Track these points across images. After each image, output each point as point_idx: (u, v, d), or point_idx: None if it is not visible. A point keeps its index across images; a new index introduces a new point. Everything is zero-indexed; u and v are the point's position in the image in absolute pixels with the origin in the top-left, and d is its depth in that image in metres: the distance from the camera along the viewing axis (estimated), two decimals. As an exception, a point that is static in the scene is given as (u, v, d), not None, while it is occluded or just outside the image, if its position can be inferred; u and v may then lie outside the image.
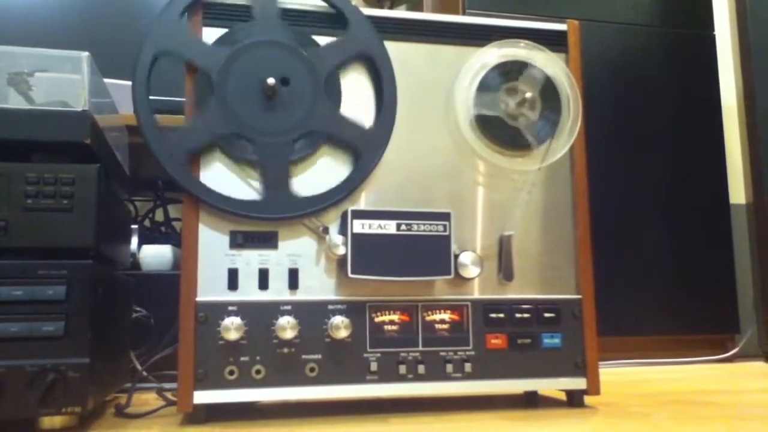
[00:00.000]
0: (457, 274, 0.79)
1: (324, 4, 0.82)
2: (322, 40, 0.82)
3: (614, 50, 1.74)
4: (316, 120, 0.79)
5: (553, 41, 0.88)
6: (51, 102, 0.77)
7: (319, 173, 0.80)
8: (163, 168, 0.75)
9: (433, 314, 0.80)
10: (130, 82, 0.76)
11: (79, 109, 0.75)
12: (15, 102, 0.77)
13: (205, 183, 0.76)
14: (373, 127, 0.81)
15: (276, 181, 0.77)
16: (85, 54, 0.78)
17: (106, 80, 0.91)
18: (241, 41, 0.78)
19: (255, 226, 0.77)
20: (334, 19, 0.82)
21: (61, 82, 0.78)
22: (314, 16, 0.82)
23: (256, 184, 0.78)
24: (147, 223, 1.46)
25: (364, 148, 0.80)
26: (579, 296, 0.85)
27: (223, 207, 0.76)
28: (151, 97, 0.76)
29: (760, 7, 1.70)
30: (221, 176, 0.77)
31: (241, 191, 0.77)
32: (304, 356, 0.76)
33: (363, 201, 0.81)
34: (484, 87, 0.84)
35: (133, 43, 0.77)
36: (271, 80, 0.77)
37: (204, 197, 0.75)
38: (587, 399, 0.85)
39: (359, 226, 0.77)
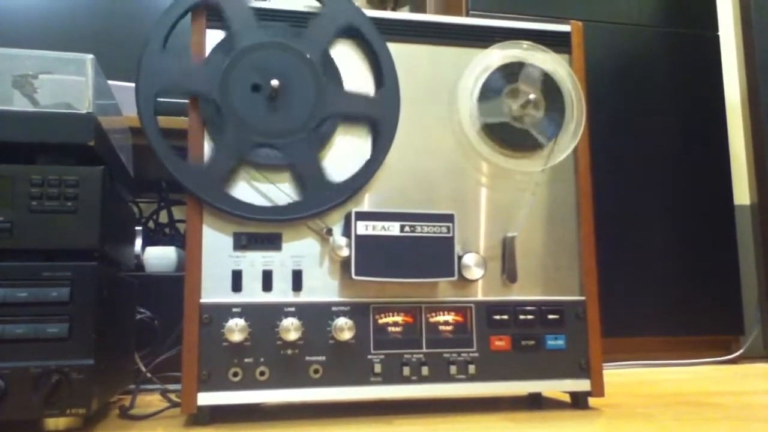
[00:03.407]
0: (460, 275, 0.79)
1: (298, 4, 0.82)
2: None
3: (618, 51, 1.74)
4: (326, 105, 0.79)
5: (557, 42, 0.88)
6: (55, 104, 0.77)
7: (342, 153, 0.81)
8: (205, 202, 0.76)
9: (436, 316, 0.80)
10: (133, 84, 0.76)
11: (84, 111, 0.75)
12: (20, 104, 0.77)
13: (236, 196, 0.77)
14: (381, 92, 0.82)
15: (311, 175, 0.78)
16: (90, 56, 0.78)
17: (110, 82, 0.91)
18: (232, 50, 0.78)
19: (260, 228, 0.77)
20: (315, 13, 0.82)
21: (66, 84, 0.79)
22: (293, 14, 0.81)
23: (273, 187, 0.78)
24: (151, 224, 1.46)
25: (380, 116, 0.81)
26: (583, 297, 0.84)
27: (262, 217, 0.77)
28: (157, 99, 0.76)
29: (765, 8, 1.70)
30: (248, 189, 0.78)
31: (258, 197, 0.78)
32: (307, 358, 0.76)
33: (366, 202, 0.81)
34: (486, 93, 0.84)
35: (137, 46, 0.77)
36: (274, 82, 0.77)
37: (240, 212, 0.76)
38: (591, 401, 0.85)
39: (363, 228, 0.77)
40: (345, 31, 0.82)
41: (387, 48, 0.82)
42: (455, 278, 0.79)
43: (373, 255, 0.77)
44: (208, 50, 0.79)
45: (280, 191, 0.78)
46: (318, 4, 0.81)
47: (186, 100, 0.78)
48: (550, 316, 0.83)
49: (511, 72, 0.85)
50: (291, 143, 0.78)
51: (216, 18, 0.79)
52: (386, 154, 0.81)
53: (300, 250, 0.78)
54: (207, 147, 0.78)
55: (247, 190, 0.78)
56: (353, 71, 0.83)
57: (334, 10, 0.81)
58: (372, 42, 0.82)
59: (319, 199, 0.78)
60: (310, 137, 0.79)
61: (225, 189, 0.77)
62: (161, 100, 0.77)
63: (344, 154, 0.81)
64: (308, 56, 0.79)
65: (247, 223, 0.77)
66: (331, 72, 0.81)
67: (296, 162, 0.78)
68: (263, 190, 0.78)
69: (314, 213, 0.78)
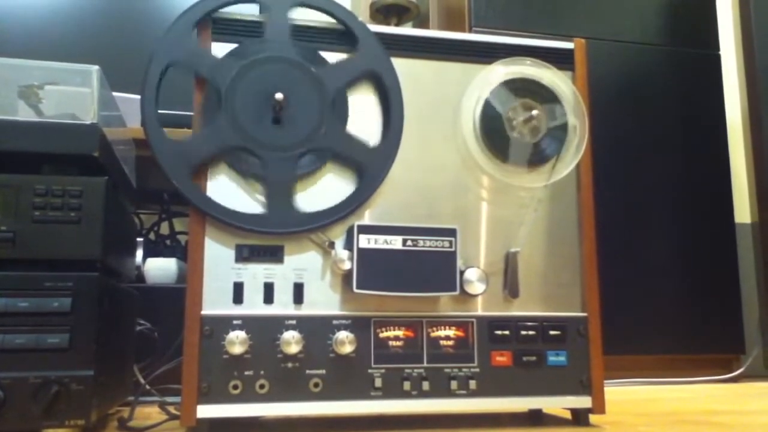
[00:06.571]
0: (462, 290, 0.79)
1: (332, 20, 0.83)
2: (329, 56, 0.82)
3: (620, 68, 1.75)
4: (322, 137, 0.79)
5: (560, 59, 0.89)
6: (60, 115, 0.77)
7: (324, 189, 0.80)
8: (169, 178, 0.75)
9: (438, 330, 0.80)
10: (138, 96, 0.76)
11: (88, 122, 0.75)
12: (25, 114, 0.78)
13: (211, 196, 0.76)
14: (379, 145, 0.81)
15: (280, 196, 0.77)
16: (95, 67, 0.79)
17: (114, 94, 0.91)
18: (252, 56, 0.79)
19: (261, 240, 0.77)
20: (342, 36, 0.83)
21: (71, 95, 0.79)
22: (322, 33, 0.83)
23: (262, 198, 0.78)
24: (152, 236, 1.46)
25: (370, 167, 0.80)
26: (585, 314, 0.84)
27: (225, 219, 0.76)
28: (159, 111, 0.76)
29: (765, 27, 1.71)
30: (227, 190, 0.77)
31: (247, 205, 0.78)
32: (308, 371, 0.76)
33: (369, 216, 0.81)
34: (489, 105, 0.84)
35: (143, 57, 0.77)
36: (279, 95, 0.77)
37: (208, 209, 0.75)
38: (592, 418, 0.85)
39: (365, 241, 0.77)
40: (370, 76, 0.83)
41: (402, 103, 0.82)
42: (457, 293, 0.79)
43: (375, 269, 0.77)
44: (213, 63, 0.79)
45: (255, 200, 0.78)
46: (350, 45, 0.82)
47: (190, 113, 0.79)
48: (552, 332, 0.83)
49: (516, 88, 0.85)
50: (273, 158, 0.77)
51: (221, 31, 0.80)
52: (359, 207, 0.79)
53: (302, 263, 0.78)
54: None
55: (242, 199, 0.78)
56: (361, 111, 0.83)
57: (366, 54, 0.82)
58: (390, 94, 0.82)
59: (279, 221, 0.77)
60: (294, 159, 0.78)
61: (195, 176, 0.76)
62: (164, 112, 0.77)
63: (325, 189, 0.80)
64: (325, 86, 0.79)
65: (249, 234, 0.77)
66: (341, 109, 0.81)
67: (270, 177, 0.77)
68: (258, 199, 0.78)
69: (269, 231, 0.77)
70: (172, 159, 0.75)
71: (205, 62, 0.78)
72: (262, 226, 0.76)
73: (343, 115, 0.81)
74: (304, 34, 0.82)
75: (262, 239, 0.77)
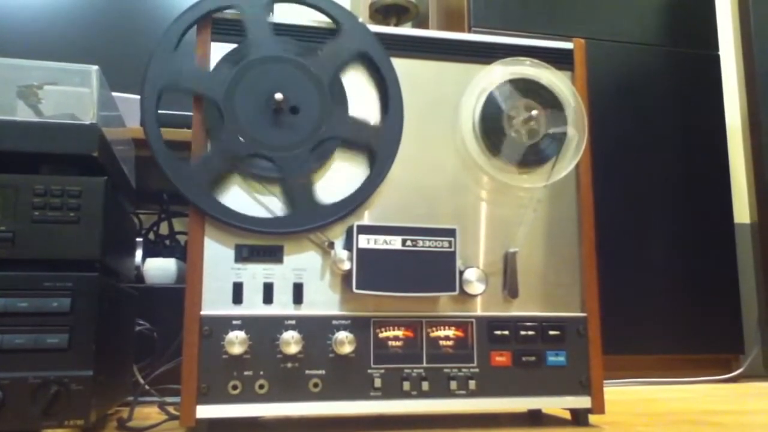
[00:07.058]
0: (461, 290, 0.79)
1: (317, 19, 0.82)
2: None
3: (619, 69, 1.75)
4: (327, 127, 0.79)
5: (559, 59, 0.89)
6: (60, 115, 0.77)
7: (337, 178, 0.80)
8: (189, 200, 0.75)
9: (437, 330, 0.80)
10: (137, 96, 0.76)
11: (88, 122, 0.75)
12: (24, 114, 0.78)
13: (227, 204, 0.76)
14: (383, 123, 0.82)
15: (301, 193, 0.78)
16: (95, 67, 0.79)
17: (114, 94, 0.91)
18: (241, 60, 0.78)
19: (261, 240, 0.77)
20: (330, 32, 0.82)
21: (70, 95, 0.79)
22: (310, 31, 0.82)
23: (275, 199, 0.78)
24: (151, 236, 1.46)
25: (379, 147, 0.81)
26: (584, 314, 0.84)
27: (251, 227, 0.76)
28: (159, 111, 0.76)
29: (765, 27, 1.71)
30: (241, 199, 0.77)
31: (261, 209, 0.78)
32: (307, 371, 0.76)
33: (368, 216, 0.81)
34: (491, 100, 0.84)
35: (143, 57, 0.77)
36: (278, 95, 0.77)
37: (232, 221, 0.76)
38: (592, 418, 0.85)
39: (365, 241, 0.77)
40: (358, 57, 0.83)
41: (396, 78, 0.83)
42: (456, 293, 0.79)
43: (375, 269, 0.77)
44: (212, 63, 0.79)
45: (270, 203, 0.78)
46: (334, 26, 0.82)
47: (189, 113, 0.79)
48: (551, 333, 0.83)
49: (519, 88, 0.85)
50: (286, 158, 0.78)
51: (221, 31, 0.80)
52: (379, 184, 0.80)
53: (301, 263, 0.78)
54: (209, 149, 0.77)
55: (240, 198, 0.77)
56: (360, 94, 0.83)
57: (351, 36, 0.82)
58: (383, 71, 0.82)
59: (305, 217, 0.77)
60: (306, 155, 0.78)
61: (213, 192, 0.76)
62: (164, 112, 0.77)
63: (339, 177, 0.81)
64: (319, 76, 0.79)
65: (249, 234, 0.77)
66: (339, 95, 0.81)
67: (288, 177, 0.78)
68: (258, 200, 0.78)
69: (297, 231, 0.77)
70: (187, 180, 0.75)
71: (195, 80, 0.77)
72: (266, 227, 0.76)
73: (343, 101, 0.82)
74: (286, 31, 0.81)
75: (265, 239, 0.77)
